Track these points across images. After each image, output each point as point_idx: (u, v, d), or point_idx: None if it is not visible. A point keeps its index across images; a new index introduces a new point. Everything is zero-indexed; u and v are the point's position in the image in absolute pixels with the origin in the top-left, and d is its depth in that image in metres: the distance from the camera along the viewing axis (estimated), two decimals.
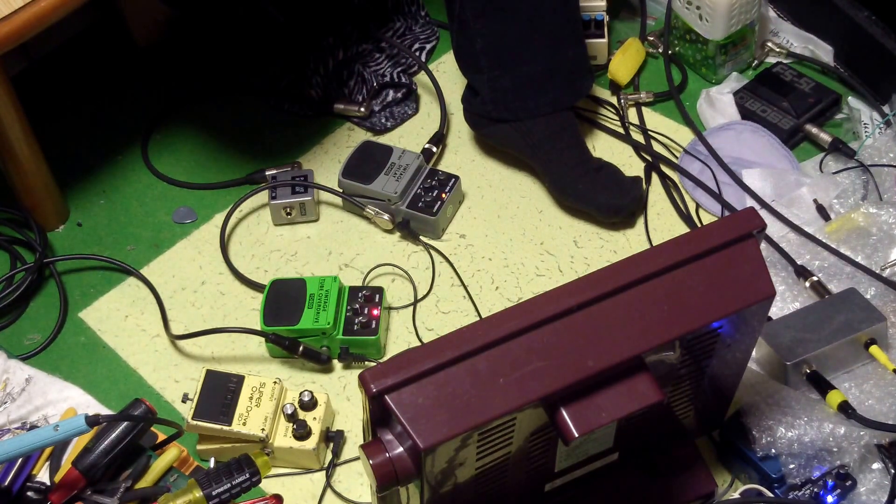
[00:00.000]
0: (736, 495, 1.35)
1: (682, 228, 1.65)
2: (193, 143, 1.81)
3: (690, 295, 1.09)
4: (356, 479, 1.42)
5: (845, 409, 1.32)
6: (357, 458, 1.43)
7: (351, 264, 1.63)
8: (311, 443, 1.39)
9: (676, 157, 1.72)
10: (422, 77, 1.85)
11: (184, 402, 1.43)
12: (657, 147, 1.74)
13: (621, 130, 1.76)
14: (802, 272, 1.51)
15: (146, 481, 1.32)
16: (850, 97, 1.75)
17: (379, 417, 1.05)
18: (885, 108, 1.71)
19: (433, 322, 1.57)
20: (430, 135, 1.75)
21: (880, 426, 1.31)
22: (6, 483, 1.30)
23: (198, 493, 1.21)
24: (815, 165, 1.67)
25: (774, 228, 1.57)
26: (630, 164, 1.72)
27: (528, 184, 1.71)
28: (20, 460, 1.31)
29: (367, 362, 1.51)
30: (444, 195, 1.63)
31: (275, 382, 1.41)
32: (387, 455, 1.05)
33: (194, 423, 1.37)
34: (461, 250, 1.64)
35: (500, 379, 1.03)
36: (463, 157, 1.75)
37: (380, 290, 1.52)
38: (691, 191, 1.67)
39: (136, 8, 1.89)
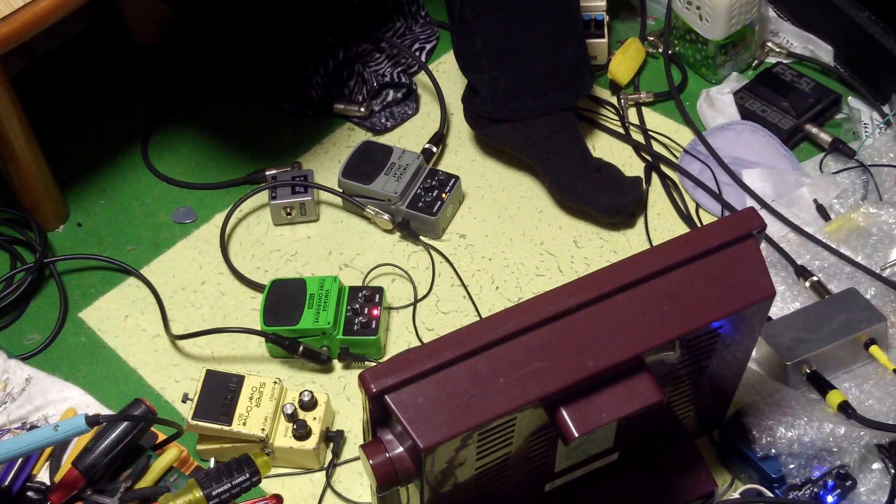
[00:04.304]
0: (736, 495, 1.35)
1: (682, 228, 1.65)
2: (193, 143, 1.81)
3: (690, 295, 1.09)
4: (356, 479, 1.42)
5: (845, 409, 1.32)
6: (357, 458, 1.43)
7: (351, 264, 1.63)
8: (311, 443, 1.39)
9: (676, 157, 1.72)
10: (422, 77, 1.85)
11: (184, 402, 1.43)
12: (657, 147, 1.74)
13: (621, 130, 1.76)
14: (802, 272, 1.51)
15: (146, 481, 1.32)
16: (850, 97, 1.75)
17: (379, 417, 1.05)
18: (885, 108, 1.71)
19: (433, 322, 1.57)
20: (430, 135, 1.75)
21: (880, 426, 1.31)
22: (6, 483, 1.30)
23: (198, 493, 1.21)
24: (815, 165, 1.67)
25: (774, 228, 1.57)
26: (630, 164, 1.72)
27: (528, 184, 1.71)
28: (20, 460, 1.31)
29: (367, 362, 1.51)
30: (444, 195, 1.63)
31: (275, 382, 1.41)
32: (387, 455, 1.06)
33: (194, 423, 1.37)
34: (461, 250, 1.64)
35: (500, 379, 1.03)
36: (463, 157, 1.75)
37: (380, 290, 1.52)
38: (691, 191, 1.67)
39: (136, 8, 1.89)
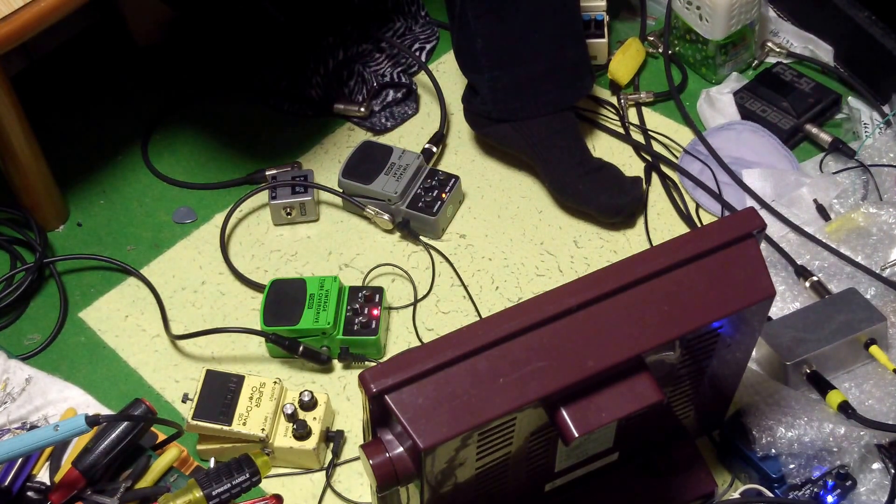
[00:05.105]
0: (736, 495, 1.35)
1: (682, 228, 1.65)
2: (193, 143, 1.81)
3: (690, 295, 1.09)
4: (356, 479, 1.42)
5: (845, 409, 1.32)
6: (357, 458, 1.43)
7: (351, 264, 1.63)
8: (311, 443, 1.39)
9: (676, 157, 1.72)
10: (422, 77, 1.85)
11: (184, 402, 1.43)
12: (657, 147, 1.74)
13: (621, 130, 1.76)
14: (802, 272, 1.51)
15: (146, 481, 1.32)
16: (850, 97, 1.75)
17: (379, 417, 1.05)
18: (885, 108, 1.71)
19: (433, 322, 1.57)
20: (430, 135, 1.75)
21: (880, 426, 1.31)
22: (6, 483, 1.30)
23: (198, 493, 1.21)
24: (815, 165, 1.67)
25: (774, 228, 1.57)
26: (630, 164, 1.72)
27: (528, 184, 1.71)
28: (20, 460, 1.31)
29: (367, 362, 1.51)
30: (444, 195, 1.63)
31: (275, 382, 1.41)
32: (387, 455, 1.06)
33: (194, 423, 1.37)
34: (461, 250, 1.64)
35: (500, 379, 1.03)
36: (463, 157, 1.75)
37: (380, 290, 1.52)
38: (691, 191, 1.67)
39: (136, 8, 1.89)
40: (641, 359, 1.08)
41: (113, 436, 1.30)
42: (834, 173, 1.64)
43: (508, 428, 1.08)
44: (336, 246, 1.65)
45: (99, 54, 1.92)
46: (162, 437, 1.38)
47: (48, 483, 1.33)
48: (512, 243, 1.64)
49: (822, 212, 1.59)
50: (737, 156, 1.69)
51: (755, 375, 1.39)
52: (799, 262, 1.52)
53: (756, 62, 1.84)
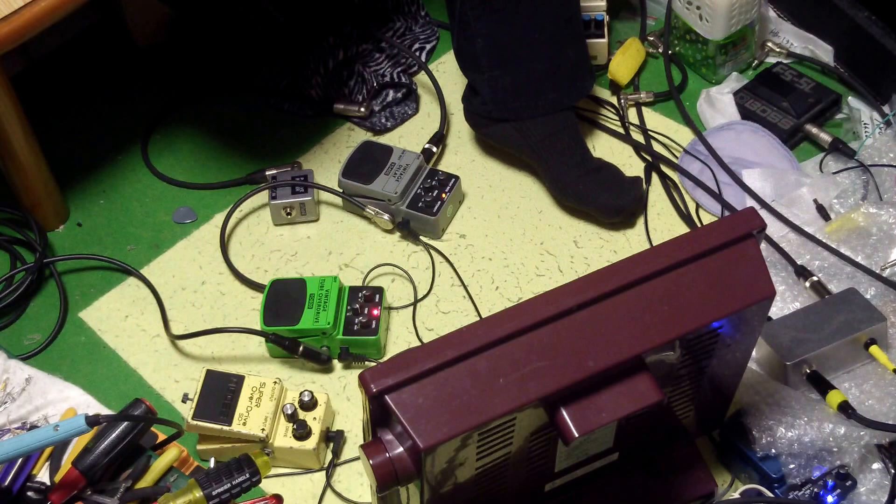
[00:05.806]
0: (736, 495, 1.35)
1: (682, 228, 1.65)
2: (193, 143, 1.81)
3: (690, 295, 1.09)
4: (356, 479, 1.42)
5: (845, 409, 1.32)
6: (357, 458, 1.43)
7: (351, 264, 1.63)
8: (311, 443, 1.39)
9: (676, 157, 1.72)
10: (422, 77, 1.85)
11: (184, 402, 1.43)
12: (657, 147, 1.74)
13: (621, 130, 1.76)
14: (802, 272, 1.51)
15: (146, 481, 1.32)
16: (850, 97, 1.75)
17: (379, 417, 1.05)
18: (885, 108, 1.71)
19: (433, 322, 1.57)
20: (430, 135, 1.75)
21: (880, 426, 1.31)
22: (6, 483, 1.30)
23: (198, 493, 1.21)
24: (815, 165, 1.67)
25: (774, 228, 1.57)
26: (630, 164, 1.72)
27: (528, 184, 1.71)
28: (20, 460, 1.31)
29: (367, 362, 1.51)
30: (444, 195, 1.63)
31: (275, 382, 1.41)
32: (387, 455, 1.06)
33: (194, 423, 1.37)
34: (461, 250, 1.64)
35: (500, 379, 1.03)
36: (463, 157, 1.75)
37: (380, 290, 1.52)
38: (691, 191, 1.67)
39: (136, 8, 1.89)
40: (641, 359, 1.08)
41: (113, 436, 1.30)
42: (834, 173, 1.64)
43: (508, 428, 1.08)
44: (336, 246, 1.65)
45: (99, 54, 1.92)
46: (162, 437, 1.38)
47: (48, 483, 1.33)
48: (512, 243, 1.64)
49: (822, 212, 1.59)
50: (737, 156, 1.69)
51: (755, 375, 1.39)
52: (799, 262, 1.52)
53: (756, 62, 1.84)
